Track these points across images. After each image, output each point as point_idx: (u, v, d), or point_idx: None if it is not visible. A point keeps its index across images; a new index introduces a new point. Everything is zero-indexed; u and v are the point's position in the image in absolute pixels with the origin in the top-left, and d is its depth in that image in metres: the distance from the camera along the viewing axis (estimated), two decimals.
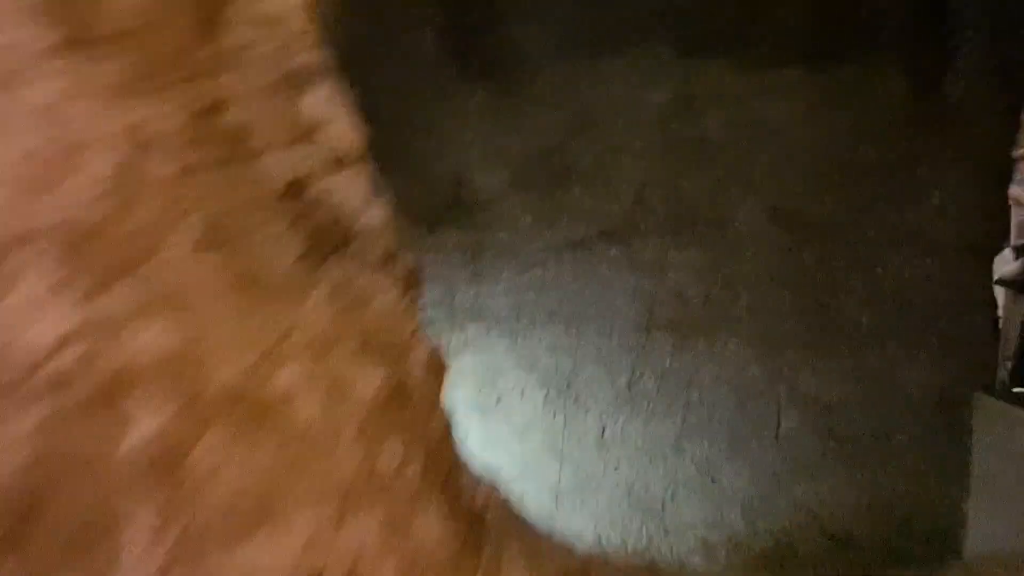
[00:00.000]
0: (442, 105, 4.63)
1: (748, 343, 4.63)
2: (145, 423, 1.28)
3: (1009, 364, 4.43)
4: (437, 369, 2.04)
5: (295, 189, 1.72)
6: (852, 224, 4.57)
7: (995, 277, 4.34)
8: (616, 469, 4.71)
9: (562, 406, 4.66)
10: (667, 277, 4.64)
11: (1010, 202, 4.24)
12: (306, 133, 1.82)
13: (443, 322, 4.60)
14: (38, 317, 1.23)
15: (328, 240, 1.79)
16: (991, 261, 4.32)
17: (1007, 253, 4.22)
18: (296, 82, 1.83)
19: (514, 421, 4.65)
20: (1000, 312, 4.45)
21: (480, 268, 4.63)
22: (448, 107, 4.64)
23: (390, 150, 4.60)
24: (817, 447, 4.73)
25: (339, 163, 1.87)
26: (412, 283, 2.03)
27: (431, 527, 1.73)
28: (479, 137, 4.61)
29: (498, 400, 4.62)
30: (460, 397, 4.64)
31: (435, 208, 4.64)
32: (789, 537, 4.82)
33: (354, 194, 1.88)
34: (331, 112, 1.85)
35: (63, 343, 1.24)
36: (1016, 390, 4.33)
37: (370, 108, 4.62)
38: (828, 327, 4.63)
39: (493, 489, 2.25)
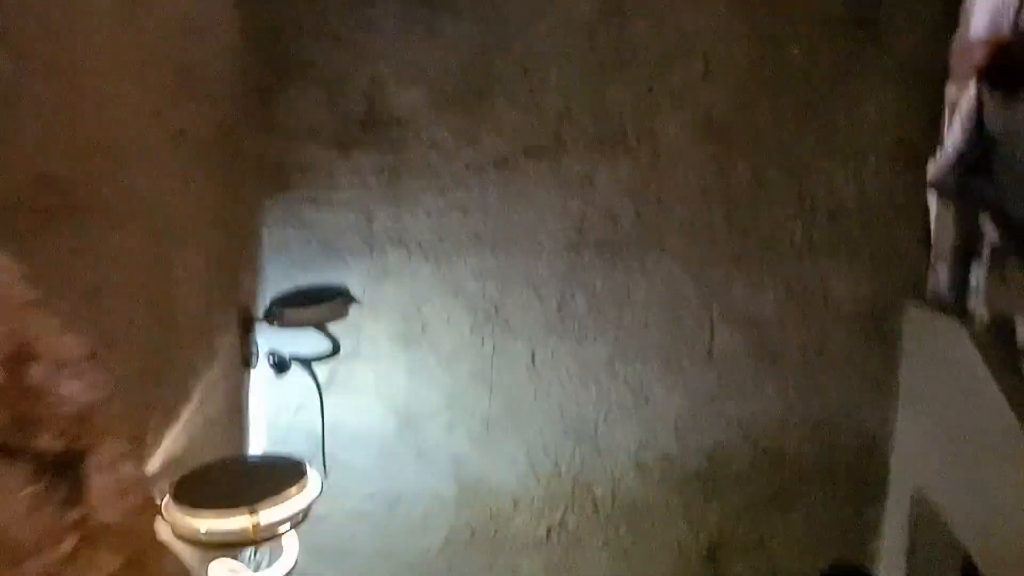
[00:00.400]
0: (353, 16, 4.29)
1: (680, 261, 4.51)
2: None
3: (942, 269, 4.40)
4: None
5: None
6: (783, 136, 4.43)
7: (928, 180, 4.27)
8: (548, 394, 4.60)
9: (490, 332, 4.49)
10: (596, 195, 4.46)
11: (944, 105, 4.14)
12: None
13: (362, 249, 4.36)
14: None
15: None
16: (925, 170, 4.24)
17: (940, 157, 4.14)
18: None
19: (441, 350, 4.48)
20: (932, 218, 4.40)
21: (398, 191, 4.37)
22: (359, 18, 4.31)
23: (297, 66, 4.26)
24: (749, 363, 4.68)
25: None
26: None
27: None
28: (393, 51, 4.30)
29: (423, 329, 4.44)
30: (383, 326, 4.45)
31: (348, 128, 4.34)
32: (721, 453, 4.80)
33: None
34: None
35: None
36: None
37: (274, 20, 4.26)
38: (760, 241, 4.53)
39: None
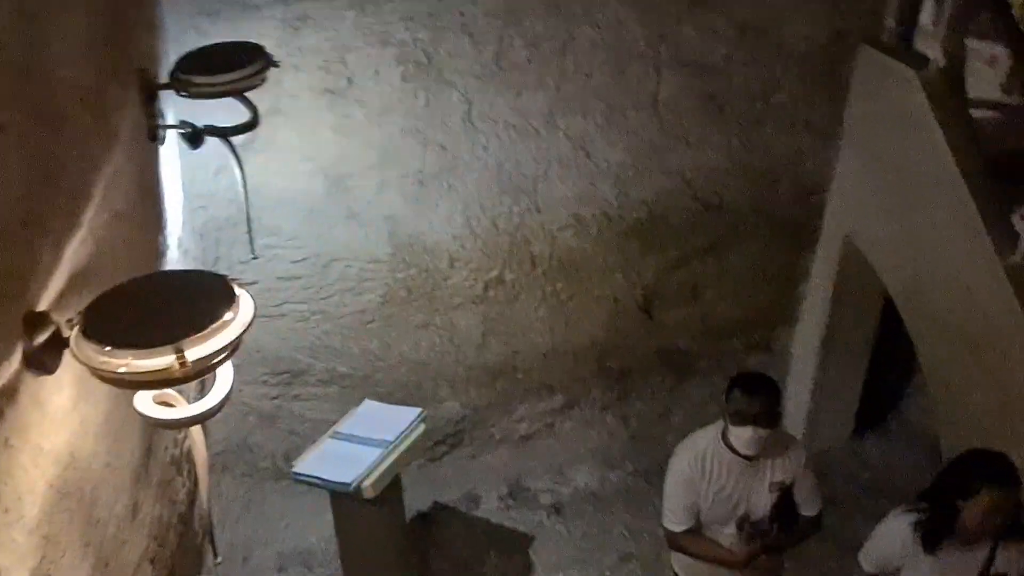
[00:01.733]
0: None
1: (628, 2, 4.13)
2: None
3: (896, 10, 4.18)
4: None
5: None
6: None
7: None
8: (485, 149, 4.34)
9: (423, 84, 4.11)
10: None
11: None
12: None
13: None
14: None
15: None
16: None
17: None
18: None
19: (370, 104, 4.09)
20: None
21: None
22: None
23: None
24: (695, 113, 4.48)
25: None
26: None
27: None
28: None
29: (349, 82, 4.02)
30: (304, 80, 4.01)
31: None
32: (661, 206, 4.72)
33: None
34: None
35: None
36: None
37: None
38: None
39: None
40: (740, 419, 3.15)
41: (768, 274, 5.10)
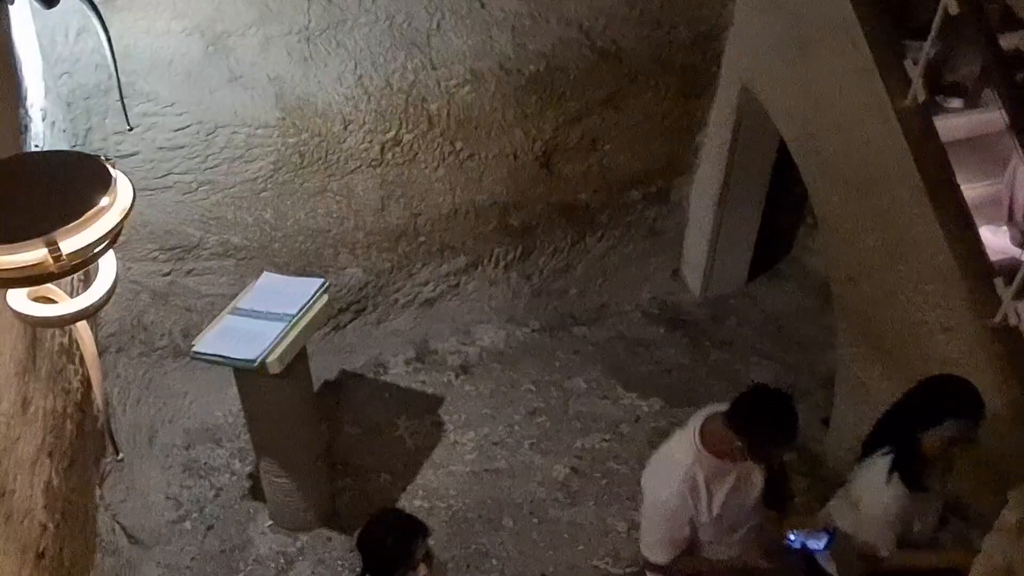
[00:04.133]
0: None
1: None
2: None
3: None
4: None
5: None
6: None
7: None
8: (374, 1, 4.07)
9: None
10: None
11: None
12: None
13: None
14: None
15: None
16: None
17: None
18: None
19: None
20: None
21: None
22: None
23: None
24: None
25: None
26: None
27: None
28: None
29: None
30: None
31: None
32: (559, 58, 4.57)
33: None
34: None
35: None
36: None
37: None
38: None
39: None
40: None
41: (666, 124, 5.07)
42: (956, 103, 4.07)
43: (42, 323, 1.71)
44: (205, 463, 4.58)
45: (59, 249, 1.42)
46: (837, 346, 4.39)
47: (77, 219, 1.44)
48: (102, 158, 1.59)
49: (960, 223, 3.46)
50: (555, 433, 4.76)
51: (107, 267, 1.72)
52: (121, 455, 3.09)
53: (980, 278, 3.35)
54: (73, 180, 1.55)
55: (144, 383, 4.66)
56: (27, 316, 1.71)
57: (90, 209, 1.46)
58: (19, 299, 1.70)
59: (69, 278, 1.90)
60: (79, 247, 1.44)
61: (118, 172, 1.57)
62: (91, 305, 1.71)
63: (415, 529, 2.75)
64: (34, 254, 1.41)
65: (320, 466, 4.24)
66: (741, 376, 5.10)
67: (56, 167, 1.71)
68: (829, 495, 3.21)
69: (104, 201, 1.50)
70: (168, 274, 4.50)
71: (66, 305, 1.76)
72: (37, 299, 1.73)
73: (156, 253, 4.41)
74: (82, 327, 1.85)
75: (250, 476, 4.47)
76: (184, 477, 4.50)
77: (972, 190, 3.66)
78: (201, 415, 4.75)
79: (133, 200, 1.55)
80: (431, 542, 2.85)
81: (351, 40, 4.14)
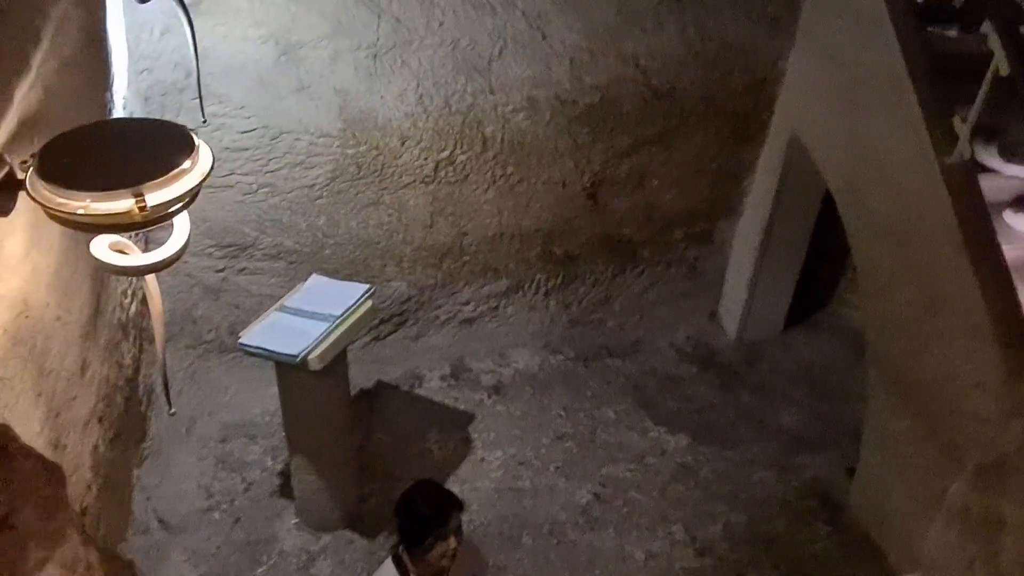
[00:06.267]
0: None
1: None
2: None
3: None
4: None
5: None
6: None
7: None
8: (441, 24, 4.25)
9: None
10: None
11: None
12: None
13: None
14: None
15: None
16: None
17: None
18: None
19: None
20: None
21: None
22: None
23: None
24: None
25: None
26: None
27: None
28: None
29: None
30: None
31: None
32: (613, 93, 4.71)
33: None
34: None
35: None
36: None
37: None
38: None
39: None
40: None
41: (714, 166, 5.17)
42: (1003, 164, 4.10)
43: (121, 271, 1.85)
44: (239, 457, 4.70)
45: (144, 201, 1.56)
46: (867, 396, 4.41)
47: (162, 176, 1.59)
48: (187, 128, 1.75)
49: (998, 282, 3.49)
50: (581, 459, 4.82)
51: (181, 226, 1.86)
52: (174, 410, 3.22)
53: (1014, 338, 3.38)
54: (161, 144, 1.71)
55: (188, 375, 4.82)
56: (108, 264, 1.86)
57: (174, 169, 1.61)
58: (101, 248, 1.85)
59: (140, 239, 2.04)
60: (161, 201, 1.59)
61: (200, 140, 1.72)
62: (165, 259, 1.86)
63: (451, 501, 2.84)
64: (123, 203, 1.56)
65: (350, 468, 4.34)
66: (769, 420, 5.13)
67: (147, 131, 1.88)
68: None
69: (186, 164, 1.65)
70: (222, 270, 4.67)
71: (141, 257, 1.90)
72: (115, 251, 1.89)
73: (212, 249, 4.59)
74: (151, 281, 1.99)
75: (280, 474, 4.58)
76: (217, 469, 4.63)
77: (1013, 251, 3.70)
78: (239, 411, 4.88)
79: (212, 166, 1.69)
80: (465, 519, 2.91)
81: (415, 60, 4.32)
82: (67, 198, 1.55)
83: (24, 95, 1.84)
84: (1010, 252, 3.57)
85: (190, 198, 1.65)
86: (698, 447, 4.92)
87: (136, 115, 3.69)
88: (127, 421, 3.45)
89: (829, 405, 5.28)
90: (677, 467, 4.79)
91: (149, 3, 3.03)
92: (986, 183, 3.72)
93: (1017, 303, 3.48)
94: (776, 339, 5.80)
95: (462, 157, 4.67)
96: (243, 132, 4.27)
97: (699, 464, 4.83)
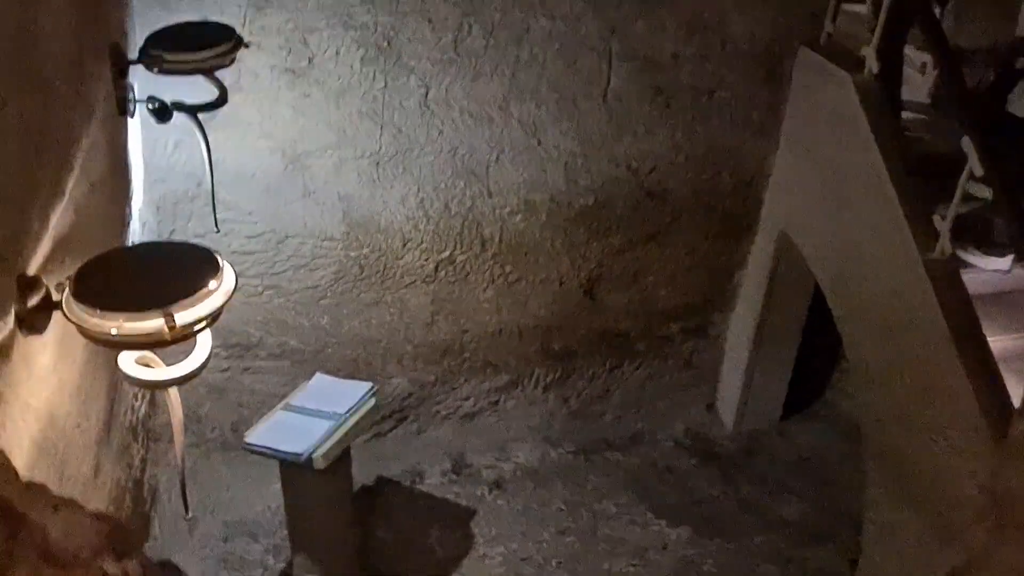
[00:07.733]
0: None
1: None
2: None
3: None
4: None
5: None
6: None
7: None
8: (440, 133, 4.45)
9: (382, 67, 4.21)
10: None
11: None
12: None
13: None
14: None
15: None
16: None
17: None
18: None
19: (329, 84, 4.17)
20: None
21: None
22: None
23: None
24: (642, 105, 4.66)
25: None
26: None
27: None
28: None
29: (310, 62, 4.10)
30: (265, 59, 4.08)
31: None
32: (607, 195, 4.89)
33: None
34: None
35: None
36: None
37: None
38: None
39: None
40: None
41: (707, 262, 5.32)
42: (982, 259, 4.23)
43: (147, 385, 1.96)
44: (240, 556, 4.70)
45: (174, 321, 1.68)
46: (866, 487, 4.45)
47: (190, 297, 1.71)
48: (213, 250, 1.88)
49: (985, 373, 3.59)
50: (583, 554, 4.83)
51: (204, 342, 1.98)
52: (191, 514, 3.27)
53: (1005, 428, 3.45)
54: (188, 265, 1.84)
55: (191, 474, 4.84)
56: (136, 378, 1.96)
57: (201, 289, 1.73)
58: (128, 363, 1.96)
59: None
60: (189, 321, 1.71)
61: (224, 262, 1.85)
62: (189, 372, 1.97)
63: None
64: (154, 323, 1.68)
65: (352, 566, 4.35)
66: (770, 512, 5.15)
67: (175, 254, 2.01)
68: None
69: (213, 284, 1.77)
70: (226, 370, 4.76)
71: (167, 371, 2.01)
72: (140, 364, 2.00)
73: (218, 349, 4.67)
74: (173, 392, 2.09)
75: (282, 574, 4.58)
76: (219, 568, 4.62)
77: (999, 342, 3.81)
78: (241, 508, 4.90)
79: (235, 287, 1.82)
80: None
81: (416, 167, 4.51)
82: (101, 319, 1.66)
83: (59, 219, 1.97)
84: (995, 343, 3.69)
85: (215, 316, 1.77)
86: (700, 540, 4.93)
87: (148, 224, 3.85)
88: (133, 520, 3.49)
89: (829, 495, 5.30)
90: (679, 561, 4.79)
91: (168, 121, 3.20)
92: (967, 276, 3.86)
93: (1005, 393, 3.57)
94: (774, 429, 5.85)
95: (462, 257, 4.82)
96: (250, 236, 4.43)
97: (702, 558, 4.84)
